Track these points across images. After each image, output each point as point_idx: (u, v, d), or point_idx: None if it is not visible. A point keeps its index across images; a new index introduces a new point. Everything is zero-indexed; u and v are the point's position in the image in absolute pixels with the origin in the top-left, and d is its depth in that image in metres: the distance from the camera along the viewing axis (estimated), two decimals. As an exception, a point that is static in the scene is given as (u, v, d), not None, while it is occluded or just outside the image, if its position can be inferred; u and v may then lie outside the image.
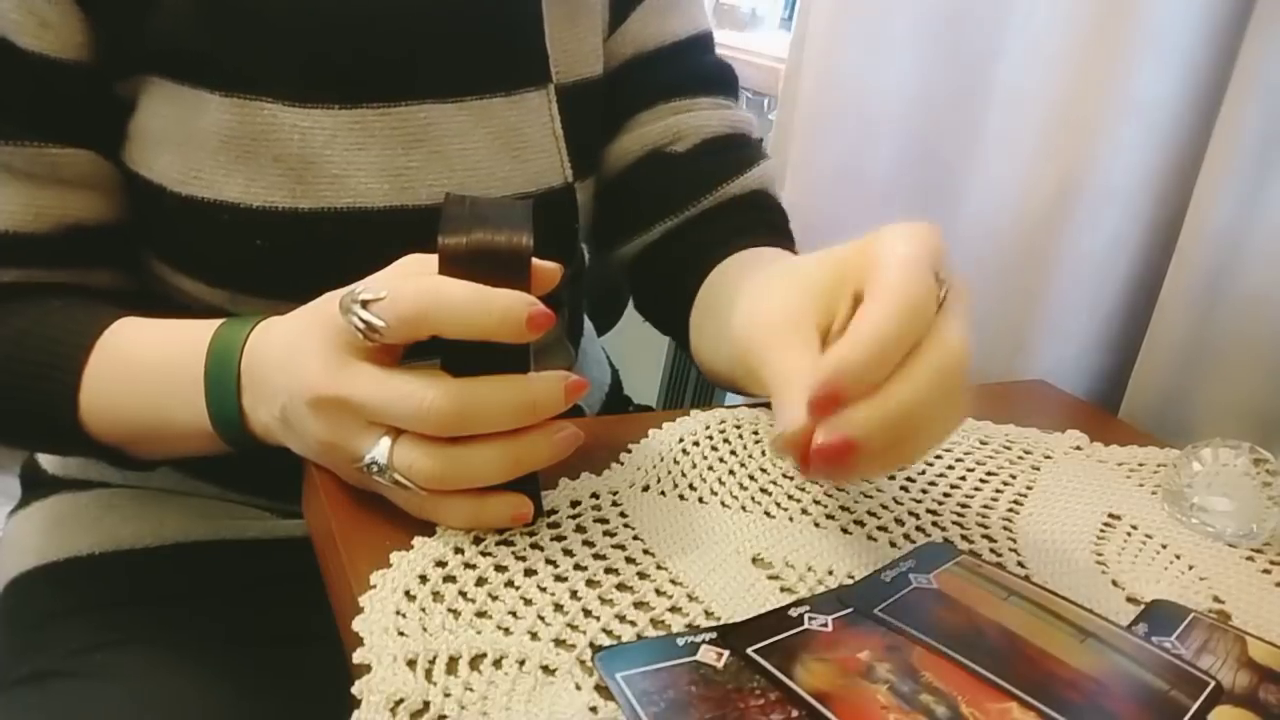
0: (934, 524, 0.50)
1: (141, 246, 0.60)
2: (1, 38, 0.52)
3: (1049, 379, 0.73)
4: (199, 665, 0.58)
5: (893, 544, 0.48)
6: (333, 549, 0.43)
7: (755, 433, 0.56)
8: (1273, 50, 0.66)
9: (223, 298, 0.58)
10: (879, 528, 0.49)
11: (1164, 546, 0.51)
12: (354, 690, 0.35)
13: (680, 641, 0.38)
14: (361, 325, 0.41)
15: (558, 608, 0.40)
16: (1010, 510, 0.52)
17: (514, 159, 0.62)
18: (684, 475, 0.51)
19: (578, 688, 0.36)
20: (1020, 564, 0.48)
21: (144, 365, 0.52)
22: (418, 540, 0.43)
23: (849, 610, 0.41)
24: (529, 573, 0.42)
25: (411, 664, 0.36)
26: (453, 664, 0.37)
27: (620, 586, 0.42)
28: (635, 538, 0.45)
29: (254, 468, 0.56)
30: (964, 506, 0.52)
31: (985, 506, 0.52)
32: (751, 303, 0.47)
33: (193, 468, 0.66)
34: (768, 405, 0.59)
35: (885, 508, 0.50)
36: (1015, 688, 0.37)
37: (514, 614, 0.40)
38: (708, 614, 0.41)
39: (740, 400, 0.64)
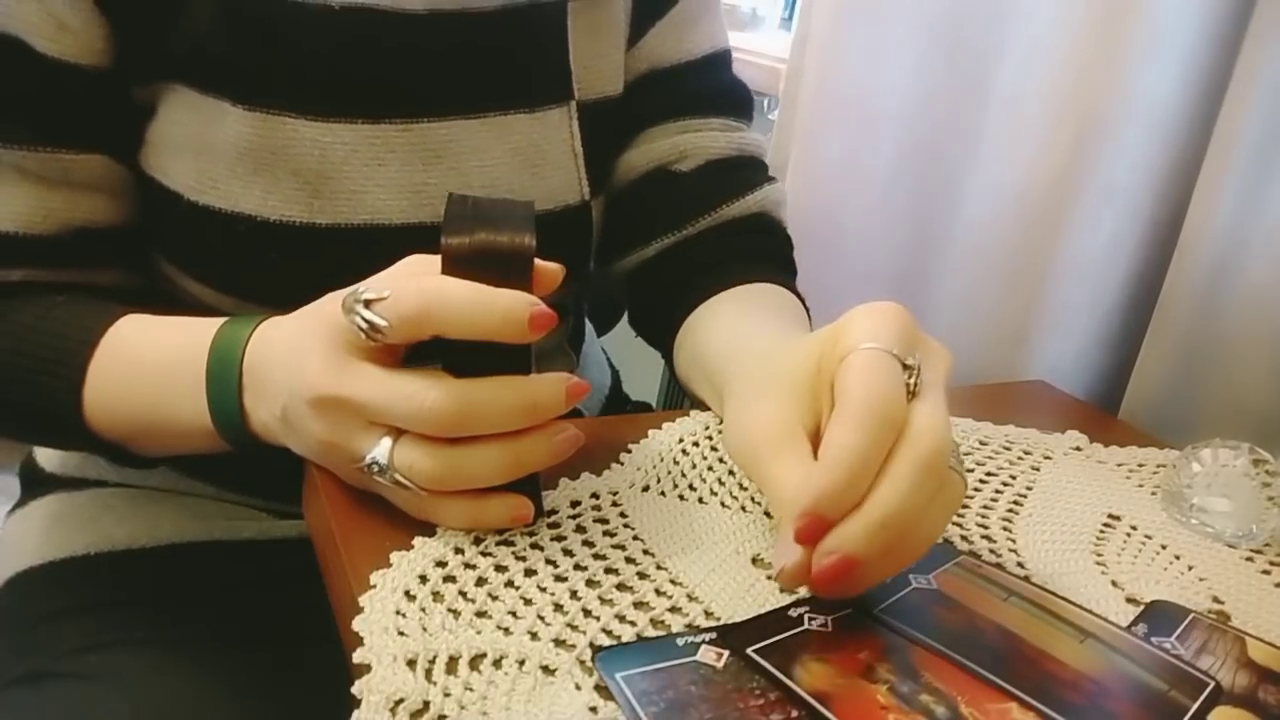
0: (934, 524, 0.50)
1: (152, 248, 0.60)
2: (19, 40, 0.52)
3: (1049, 379, 0.73)
4: (196, 665, 0.58)
5: (893, 544, 0.48)
6: (333, 549, 0.43)
7: (755, 433, 0.56)
8: (1273, 50, 0.66)
9: (230, 304, 0.58)
10: (879, 528, 0.49)
11: (1164, 547, 0.51)
12: (354, 690, 0.35)
13: (680, 641, 0.38)
14: (364, 325, 0.41)
15: (558, 608, 0.40)
16: (1010, 510, 0.52)
17: (533, 175, 0.62)
18: (684, 475, 0.51)
19: (578, 688, 0.36)
20: (1020, 564, 0.48)
21: (147, 362, 0.52)
22: (418, 540, 0.43)
23: (849, 610, 0.41)
24: (529, 573, 0.42)
25: (411, 664, 0.36)
26: (453, 664, 0.37)
27: (620, 586, 0.42)
28: (635, 538, 0.45)
29: (252, 468, 0.56)
30: (964, 506, 0.52)
31: (985, 507, 0.52)
32: (739, 413, 0.47)
33: (190, 467, 0.66)
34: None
35: (885, 508, 0.50)
36: (1015, 688, 0.37)
37: (514, 614, 0.40)
38: (708, 614, 0.41)
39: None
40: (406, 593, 0.40)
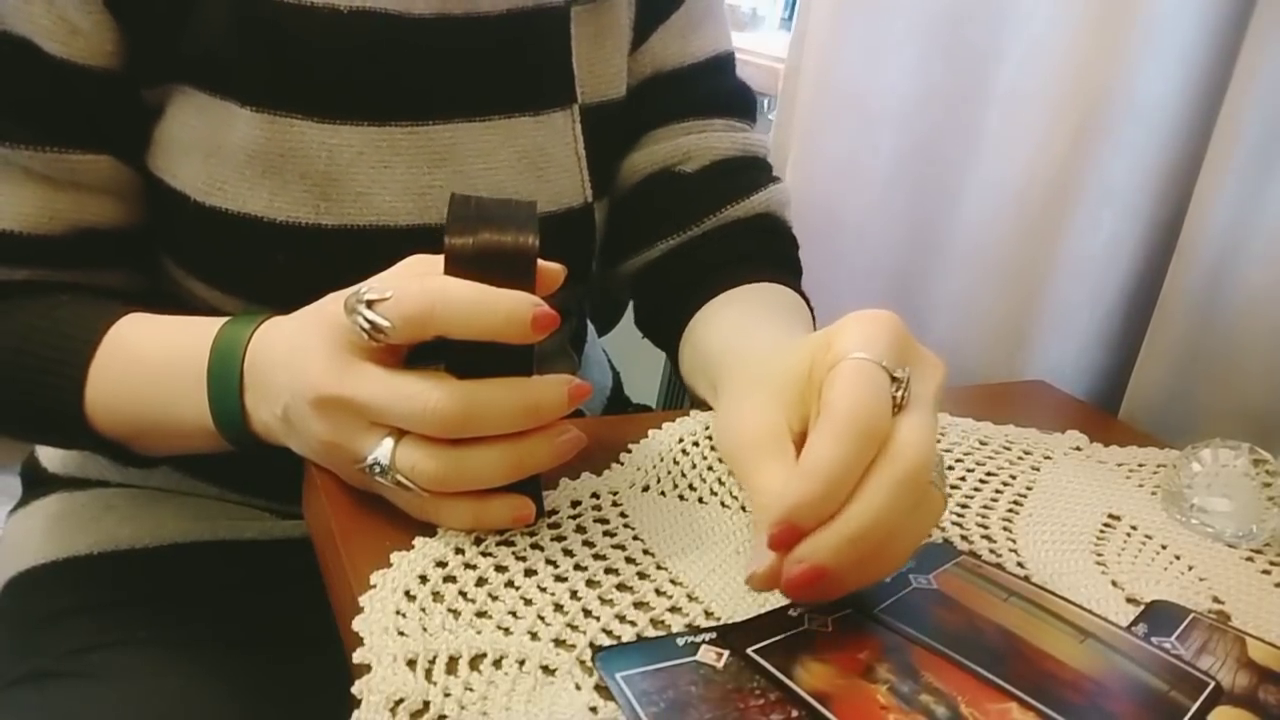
0: (934, 524, 0.50)
1: (158, 249, 0.60)
2: (28, 42, 0.52)
3: (1049, 379, 0.73)
4: (197, 666, 0.58)
5: (893, 544, 0.48)
6: (333, 549, 0.43)
7: (755, 433, 0.56)
8: (1273, 50, 0.66)
9: (235, 305, 0.58)
10: (879, 528, 0.49)
11: (1164, 547, 0.51)
12: (354, 690, 0.35)
13: (680, 641, 0.38)
14: (366, 325, 0.41)
15: (558, 608, 0.40)
16: (1010, 510, 0.52)
17: (537, 179, 0.62)
18: (684, 475, 0.51)
19: (578, 688, 0.36)
20: (1020, 564, 0.48)
21: (148, 362, 0.52)
22: (418, 540, 0.43)
23: (849, 610, 0.41)
24: (529, 573, 0.42)
25: (411, 664, 0.36)
26: (453, 664, 0.37)
27: (620, 586, 0.42)
28: (635, 538, 0.45)
29: (254, 468, 0.56)
30: (964, 506, 0.52)
31: (985, 507, 0.52)
32: (729, 411, 0.48)
33: (192, 468, 0.66)
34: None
35: (885, 508, 0.50)
36: (1015, 688, 0.37)
37: (514, 614, 0.40)
38: (708, 614, 0.41)
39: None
40: (407, 593, 0.40)
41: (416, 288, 0.41)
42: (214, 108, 0.55)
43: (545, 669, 0.37)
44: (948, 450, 0.57)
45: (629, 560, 0.44)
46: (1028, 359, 0.81)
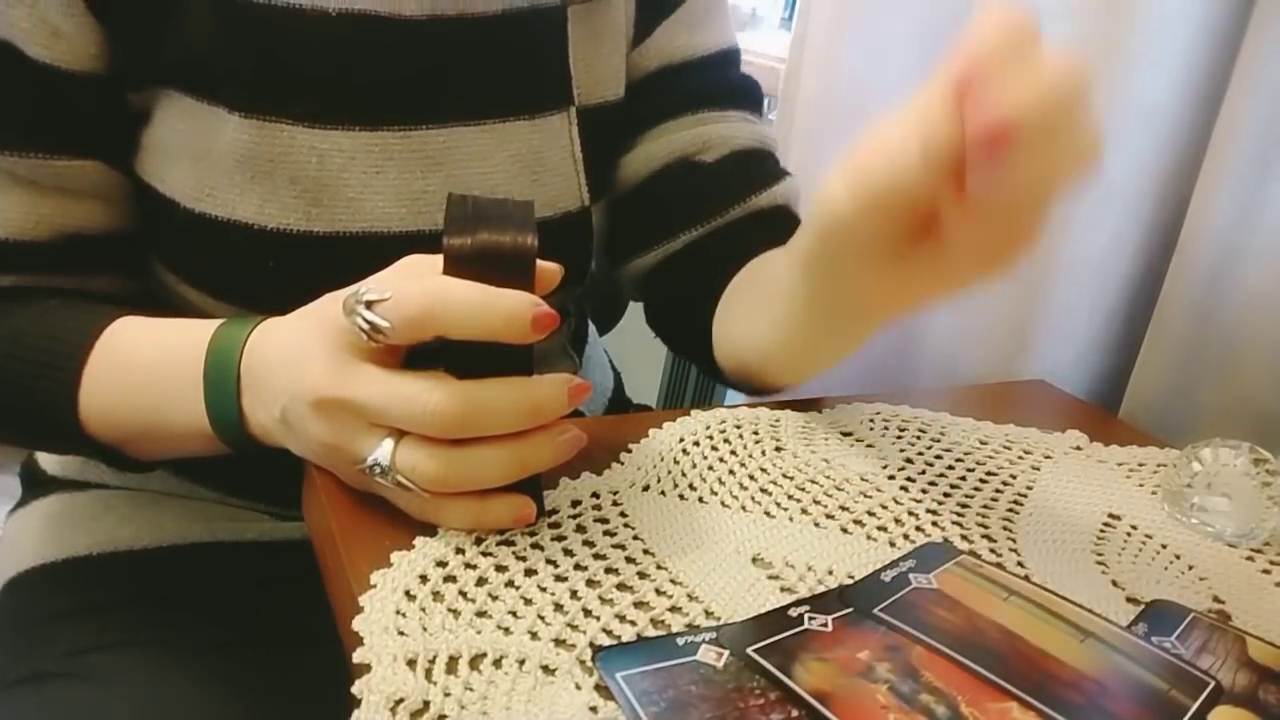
0: (934, 524, 0.50)
1: (148, 254, 0.60)
2: (10, 46, 0.52)
3: (1049, 379, 0.73)
4: (197, 667, 0.58)
5: (893, 544, 0.48)
6: (332, 549, 0.43)
7: (755, 433, 0.56)
8: (1273, 50, 0.66)
9: (227, 311, 0.58)
10: (879, 528, 0.49)
11: (1164, 546, 0.51)
12: (354, 690, 0.35)
13: (680, 641, 0.38)
14: (366, 326, 0.41)
15: (558, 607, 0.40)
16: (1010, 510, 0.52)
17: (533, 182, 0.62)
18: (684, 475, 0.51)
19: (578, 688, 0.36)
20: (1020, 564, 0.48)
21: (143, 365, 0.52)
22: (419, 540, 0.43)
23: (849, 610, 0.41)
24: (529, 572, 0.42)
25: (411, 664, 0.36)
26: (453, 664, 0.37)
27: (620, 586, 0.42)
28: (635, 537, 0.45)
29: (253, 472, 0.56)
30: (964, 506, 0.52)
31: (985, 506, 0.52)
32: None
33: (191, 471, 0.66)
34: (768, 405, 0.59)
35: (885, 508, 0.50)
36: (1015, 688, 0.37)
37: (514, 614, 0.40)
38: (708, 614, 0.41)
39: (741, 400, 0.64)
40: (407, 593, 0.40)
41: (416, 288, 0.41)
42: (201, 112, 0.55)
43: (545, 669, 0.37)
44: (948, 450, 0.57)
45: (629, 560, 0.44)
46: (1028, 359, 0.81)
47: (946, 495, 0.53)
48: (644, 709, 0.34)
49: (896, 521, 0.49)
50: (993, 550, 0.48)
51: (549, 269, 0.43)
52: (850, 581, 0.44)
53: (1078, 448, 0.60)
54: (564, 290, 0.45)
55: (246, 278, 0.57)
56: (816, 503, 0.50)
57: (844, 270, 0.45)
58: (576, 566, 0.43)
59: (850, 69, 0.88)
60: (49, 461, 0.70)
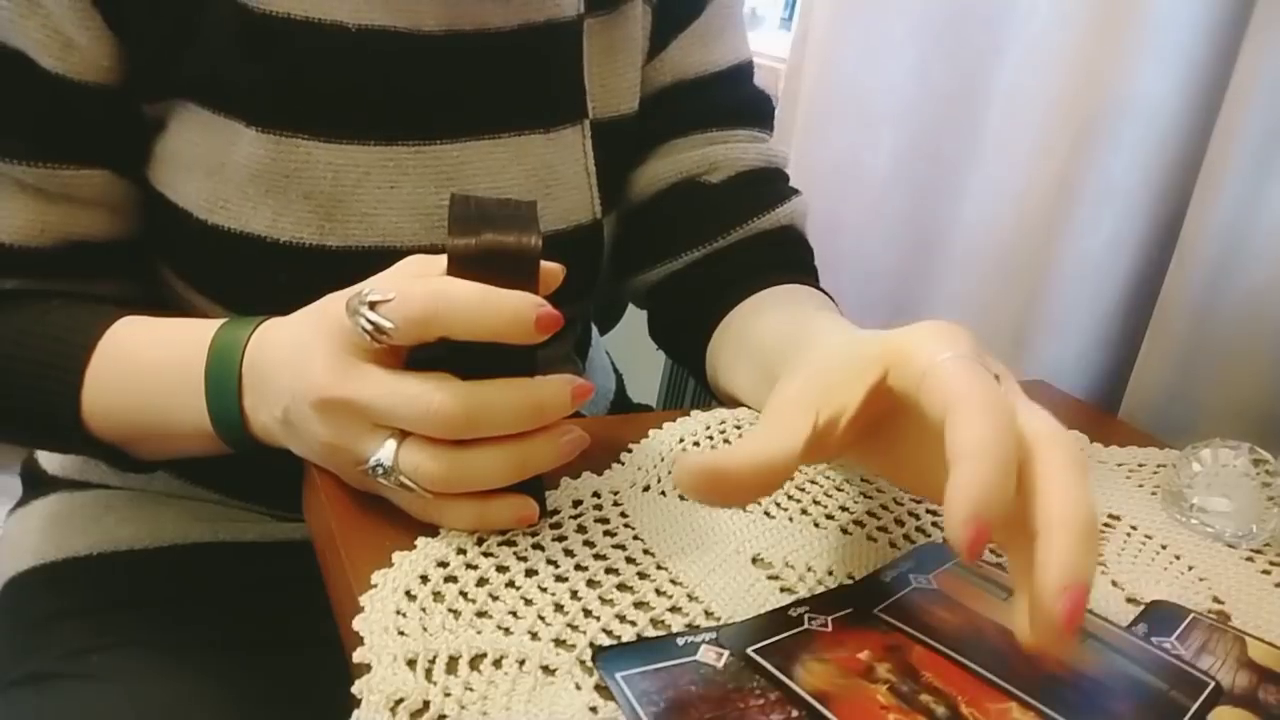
0: (934, 524, 0.50)
1: (159, 261, 0.60)
2: (23, 56, 0.51)
3: (1049, 379, 0.73)
4: (196, 667, 0.58)
5: (893, 544, 0.48)
6: (333, 549, 0.43)
7: (755, 433, 0.56)
8: (1273, 50, 0.66)
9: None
10: (879, 528, 0.49)
11: (1164, 547, 0.51)
12: (354, 690, 0.35)
13: (680, 641, 0.38)
14: (369, 327, 0.41)
15: (558, 608, 0.40)
16: (1010, 510, 0.52)
17: (546, 195, 0.62)
18: (684, 475, 0.51)
19: (578, 688, 0.36)
20: (1020, 564, 0.48)
21: (145, 364, 0.52)
22: (420, 540, 0.43)
23: (849, 610, 0.41)
24: (530, 573, 0.42)
25: (411, 664, 0.36)
26: (453, 664, 0.37)
27: (620, 586, 0.42)
28: (636, 538, 0.45)
29: (253, 472, 0.56)
30: (964, 506, 0.52)
31: (985, 506, 0.52)
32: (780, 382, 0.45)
33: (192, 473, 0.66)
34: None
35: (885, 508, 0.50)
36: (1015, 688, 0.37)
37: (514, 614, 0.40)
38: (708, 614, 0.41)
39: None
40: (407, 593, 0.40)
41: (419, 289, 0.41)
42: (218, 125, 0.54)
43: (545, 669, 0.37)
44: (948, 450, 0.57)
45: (629, 560, 0.44)
46: (1028, 359, 0.81)
47: None
48: (644, 709, 0.34)
49: (897, 522, 0.49)
50: (993, 550, 0.48)
51: (552, 269, 0.43)
52: (850, 581, 0.44)
53: (1078, 448, 0.60)
54: (572, 304, 0.45)
55: (258, 290, 0.57)
56: (816, 503, 0.50)
57: None
58: (577, 567, 0.43)
59: (850, 69, 0.88)
60: (50, 461, 0.70)
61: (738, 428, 0.56)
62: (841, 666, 0.37)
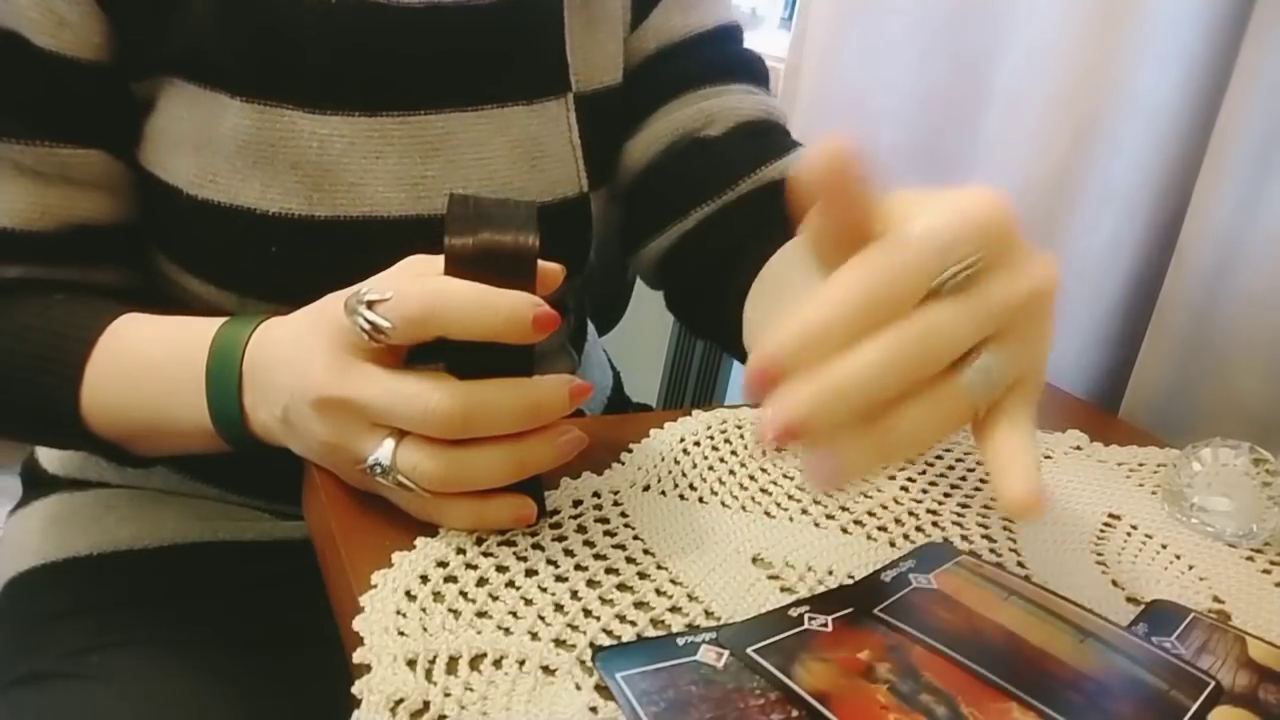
0: (934, 524, 0.50)
1: (150, 245, 0.60)
2: (17, 35, 0.52)
3: (1049, 378, 0.73)
4: (197, 667, 0.58)
5: (893, 544, 0.48)
6: (333, 549, 0.43)
7: (755, 432, 0.56)
8: (1273, 49, 0.66)
9: (230, 300, 0.58)
10: (879, 528, 0.49)
11: (1164, 546, 0.51)
12: (354, 690, 0.35)
13: (680, 641, 0.38)
14: (367, 326, 0.41)
15: (558, 608, 0.40)
16: (1010, 510, 0.52)
17: (532, 168, 0.62)
18: (684, 475, 0.51)
19: (578, 688, 0.36)
20: (1020, 564, 0.48)
21: (146, 362, 0.52)
22: (420, 540, 0.43)
23: (849, 610, 0.41)
24: (530, 573, 0.42)
25: (411, 664, 0.36)
26: (453, 664, 0.37)
27: (620, 586, 0.42)
28: (636, 537, 0.45)
29: (254, 470, 0.56)
30: (964, 506, 0.52)
31: (985, 506, 0.52)
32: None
33: (192, 469, 0.66)
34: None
35: (885, 508, 0.50)
36: (1015, 688, 0.37)
37: (514, 614, 0.40)
38: (708, 614, 0.41)
39: (741, 400, 0.64)
40: (407, 593, 0.40)
41: (417, 288, 0.41)
42: (204, 99, 0.55)
43: (545, 669, 0.37)
44: (948, 449, 0.57)
45: (629, 560, 0.44)
46: (1028, 358, 0.80)
47: (946, 495, 0.53)
48: (644, 709, 0.34)
49: (896, 521, 0.49)
50: (993, 550, 0.48)
51: (551, 269, 0.43)
52: (850, 581, 0.44)
53: (1078, 447, 0.60)
54: (564, 282, 0.45)
55: (248, 264, 0.57)
56: (816, 503, 0.50)
57: None
58: (577, 567, 0.43)
59: (850, 69, 0.88)
60: (50, 461, 0.70)
61: (738, 427, 0.56)
62: (841, 666, 0.37)
